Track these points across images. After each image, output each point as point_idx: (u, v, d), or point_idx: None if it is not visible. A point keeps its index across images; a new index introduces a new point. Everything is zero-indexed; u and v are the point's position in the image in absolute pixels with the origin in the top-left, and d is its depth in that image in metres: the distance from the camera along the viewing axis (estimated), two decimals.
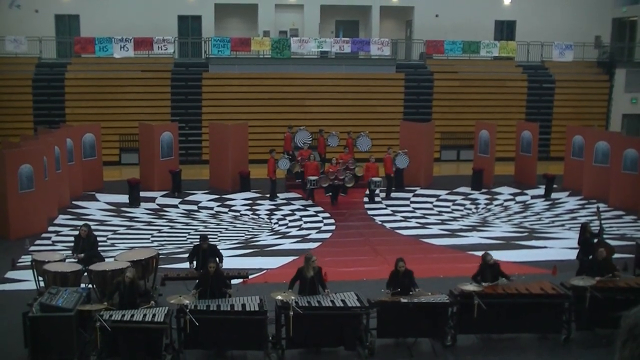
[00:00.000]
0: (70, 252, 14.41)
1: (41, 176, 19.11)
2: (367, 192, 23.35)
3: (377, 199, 23.26)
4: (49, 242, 18.06)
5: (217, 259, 13.02)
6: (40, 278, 12.85)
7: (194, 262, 13.37)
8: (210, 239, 14.28)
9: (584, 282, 11.84)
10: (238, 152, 24.72)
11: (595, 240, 14.57)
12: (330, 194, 22.75)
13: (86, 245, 14.02)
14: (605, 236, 15.48)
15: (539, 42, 33.69)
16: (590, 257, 13.78)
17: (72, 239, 16.09)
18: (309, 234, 19.40)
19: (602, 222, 15.74)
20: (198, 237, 14.63)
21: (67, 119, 28.93)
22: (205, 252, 13.14)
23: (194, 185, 24.75)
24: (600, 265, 12.60)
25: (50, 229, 19.26)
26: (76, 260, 13.64)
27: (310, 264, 11.80)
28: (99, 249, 14.72)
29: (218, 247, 14.42)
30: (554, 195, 24.22)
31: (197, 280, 12.11)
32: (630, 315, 1.63)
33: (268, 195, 23.34)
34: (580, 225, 15.58)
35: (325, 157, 25.44)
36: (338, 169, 22.45)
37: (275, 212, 22.06)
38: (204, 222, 20.88)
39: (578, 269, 13.96)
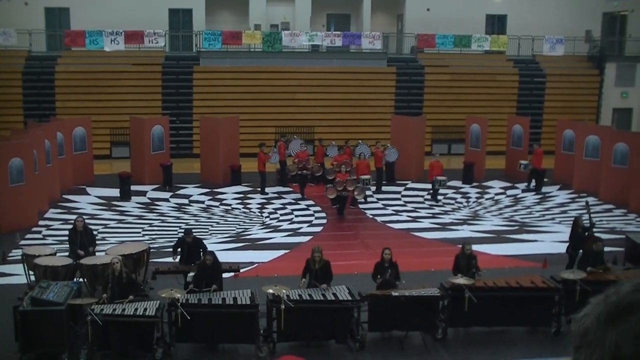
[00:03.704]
0: (60, 245, 14.31)
1: (31, 170, 19.03)
2: (431, 190, 22.95)
3: (439, 197, 22.95)
4: (40, 236, 18.00)
5: (201, 251, 13.07)
6: (31, 272, 12.81)
7: (178, 256, 13.34)
8: (201, 233, 14.27)
9: (574, 276, 11.90)
10: (229, 145, 24.68)
11: (587, 235, 14.62)
12: (337, 206, 20.88)
13: (85, 239, 13.88)
14: (595, 230, 15.53)
15: (530, 37, 33.75)
16: (581, 251, 13.85)
17: (62, 232, 16.05)
18: (300, 228, 19.40)
19: (592, 216, 15.80)
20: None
21: (57, 112, 28.79)
22: (190, 246, 13.13)
23: (185, 178, 24.70)
24: (593, 258, 12.68)
25: (41, 222, 19.19)
26: (83, 255, 13.46)
27: (313, 257, 11.94)
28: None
29: (209, 241, 14.43)
30: (544, 189, 24.31)
31: (194, 273, 12.10)
32: (579, 319, 1.61)
33: (259, 189, 23.30)
34: (572, 219, 15.65)
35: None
36: (347, 178, 20.99)
37: (266, 206, 22.06)
38: (195, 215, 20.86)
39: (568, 263, 14.04)
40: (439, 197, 22.92)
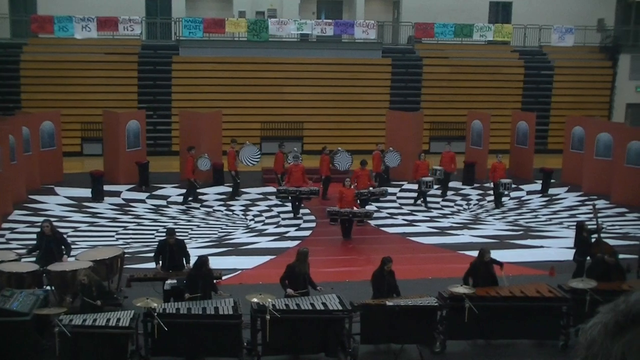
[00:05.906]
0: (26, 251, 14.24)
1: None
2: (495, 194, 22.87)
3: (504, 199, 23.12)
4: (3, 240, 17.93)
5: (184, 258, 13.13)
6: None
7: (160, 261, 13.32)
8: (180, 237, 14.26)
9: (584, 285, 11.92)
10: (211, 142, 24.64)
11: (594, 240, 14.65)
12: (339, 225, 18.92)
13: (54, 244, 13.73)
14: (605, 235, 15.59)
15: (537, 26, 33.87)
16: (588, 258, 13.90)
17: (28, 236, 16.05)
18: (287, 232, 19.42)
19: (602, 220, 15.86)
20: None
21: (23, 105, 28.71)
22: (172, 248, 13.12)
23: (162, 178, 24.65)
24: (607, 269, 12.68)
25: (5, 225, 19.11)
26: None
27: (305, 259, 12.03)
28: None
29: (189, 245, 14.41)
30: (551, 190, 24.40)
31: (185, 282, 12.04)
32: (587, 329, 1.63)
33: (185, 198, 22.41)
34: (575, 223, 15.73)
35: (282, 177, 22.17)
36: (356, 192, 19.55)
37: (250, 208, 22.06)
38: (173, 218, 20.84)
39: (575, 271, 14.09)
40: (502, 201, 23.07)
